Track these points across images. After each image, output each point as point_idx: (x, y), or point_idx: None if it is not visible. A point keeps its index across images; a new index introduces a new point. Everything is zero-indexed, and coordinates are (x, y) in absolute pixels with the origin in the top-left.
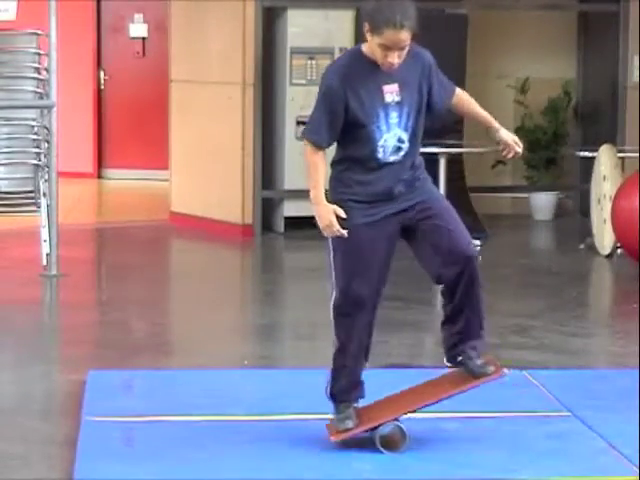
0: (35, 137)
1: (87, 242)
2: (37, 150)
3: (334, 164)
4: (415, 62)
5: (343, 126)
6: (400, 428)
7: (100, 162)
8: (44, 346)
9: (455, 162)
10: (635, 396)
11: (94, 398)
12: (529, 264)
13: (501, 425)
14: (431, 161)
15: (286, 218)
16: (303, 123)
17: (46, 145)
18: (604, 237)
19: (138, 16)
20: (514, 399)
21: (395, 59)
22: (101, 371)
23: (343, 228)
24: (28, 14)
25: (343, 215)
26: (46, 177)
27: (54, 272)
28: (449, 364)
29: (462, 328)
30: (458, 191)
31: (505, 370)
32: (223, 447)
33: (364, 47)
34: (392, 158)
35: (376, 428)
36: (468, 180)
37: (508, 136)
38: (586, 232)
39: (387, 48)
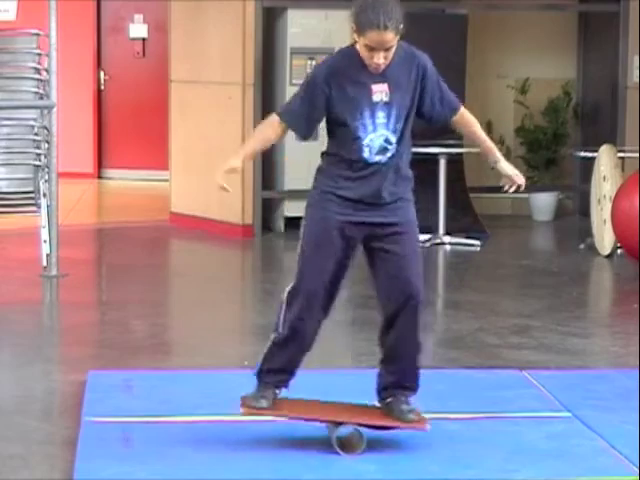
0: (35, 137)
1: (87, 242)
2: (37, 150)
3: (323, 156)
4: (410, 63)
5: (331, 122)
6: (358, 431)
7: (100, 162)
8: (44, 346)
9: (455, 162)
10: (635, 396)
11: (94, 398)
12: (529, 264)
13: (501, 425)
14: (431, 161)
15: (286, 218)
16: None
17: (46, 145)
18: (604, 237)
19: (138, 16)
20: (514, 399)
21: (381, 59)
22: (101, 371)
23: (317, 218)
24: (28, 14)
25: (313, 205)
26: (46, 177)
27: (54, 272)
28: (378, 404)
29: (397, 378)
30: (458, 191)
31: (428, 426)
32: (223, 448)
33: (357, 45)
34: (378, 158)
35: (336, 426)
36: (468, 180)
37: (508, 169)
38: (586, 232)
39: (372, 49)
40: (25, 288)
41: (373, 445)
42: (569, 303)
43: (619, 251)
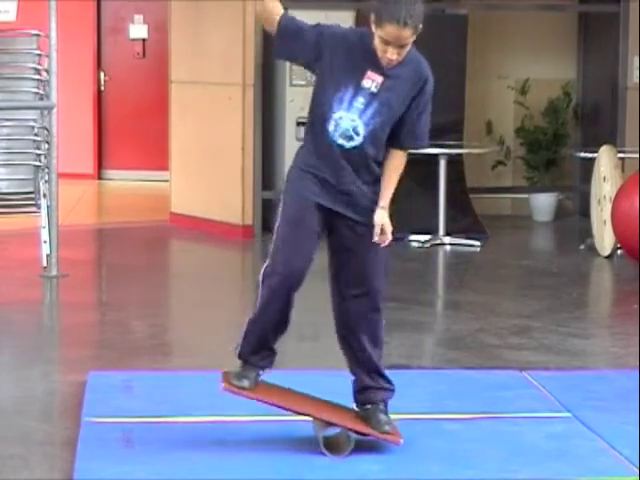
0: (35, 138)
1: (87, 243)
2: (37, 151)
3: (304, 132)
4: (414, 72)
5: (316, 87)
6: (346, 433)
7: (100, 163)
8: (44, 347)
9: (455, 163)
10: (635, 397)
11: (94, 399)
12: (529, 265)
13: (501, 426)
14: (431, 162)
15: None
16: (303, 124)
17: (46, 146)
18: (604, 238)
19: (138, 17)
20: (514, 400)
21: (394, 55)
22: (101, 372)
23: (295, 196)
24: (28, 15)
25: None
26: (46, 178)
27: (54, 273)
28: (357, 408)
29: (369, 385)
30: (458, 192)
31: (401, 440)
32: (223, 448)
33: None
34: (340, 141)
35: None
36: (468, 181)
37: (379, 218)
38: (586, 233)
39: (387, 43)
40: (25, 288)
41: (374, 445)
42: (569, 304)
43: (619, 252)
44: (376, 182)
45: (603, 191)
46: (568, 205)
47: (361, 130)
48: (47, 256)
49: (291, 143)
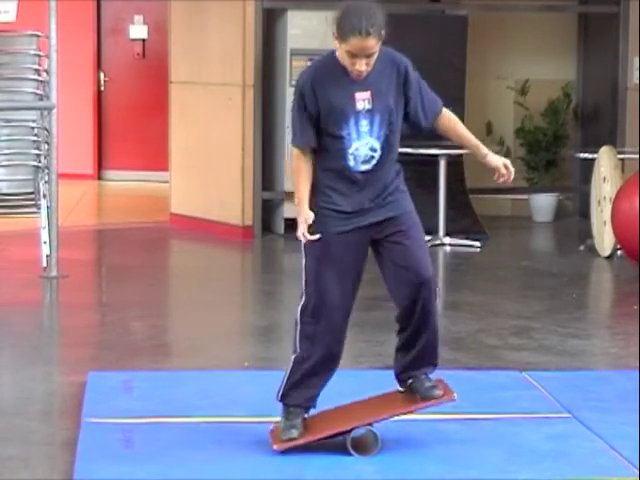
0: (35, 139)
1: (87, 244)
2: (37, 152)
3: (313, 172)
4: (390, 68)
5: (317, 130)
6: (373, 432)
7: (100, 163)
8: (44, 347)
9: (455, 163)
10: (635, 397)
11: (94, 399)
12: (529, 266)
13: (501, 426)
14: (431, 163)
15: (286, 219)
16: None
17: (46, 147)
18: (604, 239)
19: (138, 17)
20: (514, 400)
21: (363, 66)
22: (101, 372)
23: (316, 234)
24: (28, 15)
25: (312, 222)
26: (46, 179)
27: (54, 273)
28: (401, 388)
29: (415, 356)
30: (458, 192)
31: (455, 395)
32: (223, 448)
33: (338, 52)
34: (364, 167)
35: (349, 431)
36: (468, 181)
37: (498, 160)
38: (586, 234)
39: (354, 55)
40: (25, 289)
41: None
42: (569, 304)
43: (619, 252)
44: (388, 179)
45: (603, 192)
46: (568, 206)
47: (377, 145)
48: (47, 257)
49: (291, 144)
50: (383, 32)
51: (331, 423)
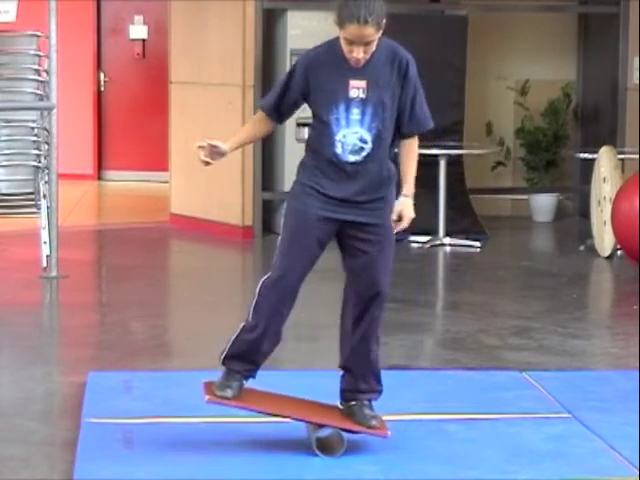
0: (35, 139)
1: (87, 244)
2: (37, 152)
3: (305, 148)
4: (392, 61)
5: (312, 113)
6: (339, 433)
7: (100, 164)
8: (44, 348)
9: (455, 164)
10: (635, 398)
11: (94, 399)
12: (529, 266)
13: (501, 427)
14: (431, 163)
15: None
16: (303, 125)
17: (46, 147)
18: (604, 239)
19: (138, 18)
20: (514, 401)
21: (360, 54)
22: (101, 372)
23: (297, 211)
24: (28, 16)
25: (293, 198)
26: (46, 179)
27: (54, 274)
28: (341, 405)
29: (360, 379)
30: (458, 192)
31: (388, 432)
32: (223, 449)
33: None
34: (353, 158)
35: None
36: (468, 182)
37: (399, 206)
38: (586, 234)
39: (351, 43)
40: (25, 289)
41: (373, 446)
42: (569, 304)
43: (619, 252)
44: (379, 179)
45: (603, 192)
46: (568, 206)
47: (367, 137)
48: (47, 257)
49: (291, 144)
50: (383, 22)
51: (266, 402)
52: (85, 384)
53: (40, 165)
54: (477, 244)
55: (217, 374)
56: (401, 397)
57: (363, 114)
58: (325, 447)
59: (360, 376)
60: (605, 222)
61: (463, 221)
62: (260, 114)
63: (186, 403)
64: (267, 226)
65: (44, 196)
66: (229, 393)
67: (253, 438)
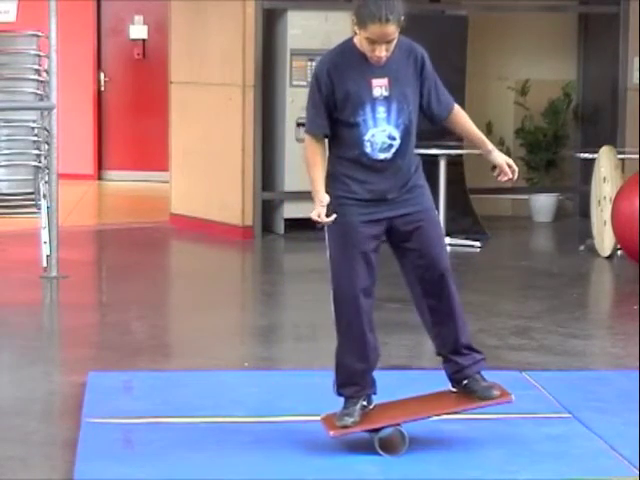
0: (35, 139)
1: (87, 244)
2: (37, 152)
3: (330, 158)
4: (408, 57)
5: (333, 119)
6: (400, 432)
7: (100, 164)
8: (44, 348)
9: (455, 164)
10: (635, 398)
11: (94, 399)
12: (529, 266)
13: (501, 426)
14: (431, 163)
15: (286, 220)
16: (303, 125)
17: (46, 147)
18: (604, 239)
19: (138, 18)
20: (514, 401)
21: (382, 52)
22: (101, 372)
23: (338, 223)
24: (28, 16)
25: (331, 209)
26: (46, 179)
27: (54, 274)
28: (454, 389)
29: (455, 335)
30: (458, 193)
31: (512, 397)
32: (223, 449)
33: (355, 39)
34: (382, 155)
35: (376, 430)
36: (468, 181)
37: (502, 158)
38: (586, 234)
39: (373, 42)
40: (25, 289)
41: (373, 446)
42: (569, 304)
43: (619, 252)
44: (408, 171)
45: (603, 192)
46: (568, 206)
47: (395, 133)
48: (47, 257)
49: (291, 144)
50: (402, 19)
51: (384, 416)
52: (85, 384)
53: (40, 165)
54: (477, 244)
55: (217, 374)
56: (401, 397)
57: (389, 112)
58: (387, 446)
59: (459, 355)
60: (605, 222)
61: (463, 221)
62: (314, 142)
63: (186, 403)
64: (267, 226)
65: (44, 196)
66: (349, 421)
67: (253, 438)
